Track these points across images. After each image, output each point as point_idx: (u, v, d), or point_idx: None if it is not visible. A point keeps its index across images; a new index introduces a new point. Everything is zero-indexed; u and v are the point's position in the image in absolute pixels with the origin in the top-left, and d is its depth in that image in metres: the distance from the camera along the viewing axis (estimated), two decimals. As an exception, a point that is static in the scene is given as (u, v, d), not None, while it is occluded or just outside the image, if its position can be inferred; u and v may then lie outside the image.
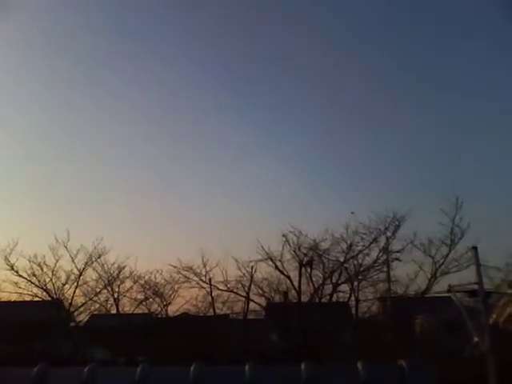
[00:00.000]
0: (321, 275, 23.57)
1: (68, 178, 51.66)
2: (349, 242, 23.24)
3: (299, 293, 23.36)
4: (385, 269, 23.16)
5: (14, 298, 25.98)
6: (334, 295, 23.42)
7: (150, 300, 25.64)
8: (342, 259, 23.40)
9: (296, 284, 23.52)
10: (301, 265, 23.43)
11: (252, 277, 24.42)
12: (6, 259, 24.58)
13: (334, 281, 23.41)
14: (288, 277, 23.83)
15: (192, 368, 11.11)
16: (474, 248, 20.91)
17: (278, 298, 24.55)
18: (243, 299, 24.77)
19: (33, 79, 54.28)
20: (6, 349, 21.76)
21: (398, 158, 52.35)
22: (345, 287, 23.69)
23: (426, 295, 22.44)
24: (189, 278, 24.73)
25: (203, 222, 44.18)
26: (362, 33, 56.74)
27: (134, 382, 10.85)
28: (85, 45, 53.68)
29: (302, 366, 10.77)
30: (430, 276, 22.29)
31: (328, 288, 23.48)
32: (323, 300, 23.39)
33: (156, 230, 43.90)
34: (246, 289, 24.50)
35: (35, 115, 55.02)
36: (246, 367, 10.93)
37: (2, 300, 26.30)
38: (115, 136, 57.05)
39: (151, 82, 59.13)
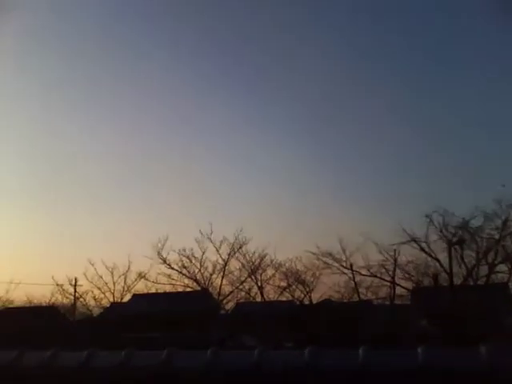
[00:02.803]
0: (474, 255, 21.99)
1: (207, 174, 52.18)
2: (503, 218, 21.36)
3: (451, 275, 21.92)
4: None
5: (167, 289, 28.10)
6: (491, 276, 21.65)
7: (293, 287, 25.98)
8: (497, 237, 21.60)
9: (446, 266, 22.15)
10: (450, 245, 21.97)
11: (396, 260, 23.53)
12: (159, 254, 26.74)
13: (489, 261, 21.66)
14: (436, 259, 22.54)
15: (361, 351, 10.79)
16: None
17: (427, 282, 23.34)
18: (388, 284, 23.98)
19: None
20: (161, 337, 23.38)
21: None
22: (503, 267, 21.88)
23: None
24: (329, 264, 24.59)
25: (335, 207, 43.55)
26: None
27: (303, 362, 10.83)
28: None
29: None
30: None
31: (483, 269, 21.83)
32: (479, 282, 21.73)
33: (288, 217, 43.89)
34: (391, 273, 23.66)
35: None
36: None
37: (159, 291, 28.48)
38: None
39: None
